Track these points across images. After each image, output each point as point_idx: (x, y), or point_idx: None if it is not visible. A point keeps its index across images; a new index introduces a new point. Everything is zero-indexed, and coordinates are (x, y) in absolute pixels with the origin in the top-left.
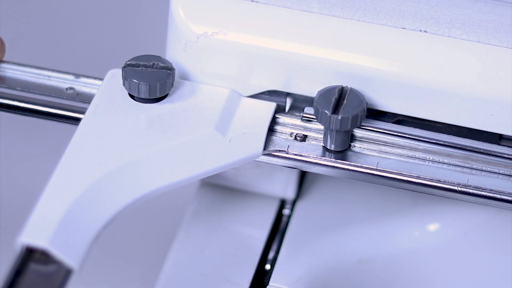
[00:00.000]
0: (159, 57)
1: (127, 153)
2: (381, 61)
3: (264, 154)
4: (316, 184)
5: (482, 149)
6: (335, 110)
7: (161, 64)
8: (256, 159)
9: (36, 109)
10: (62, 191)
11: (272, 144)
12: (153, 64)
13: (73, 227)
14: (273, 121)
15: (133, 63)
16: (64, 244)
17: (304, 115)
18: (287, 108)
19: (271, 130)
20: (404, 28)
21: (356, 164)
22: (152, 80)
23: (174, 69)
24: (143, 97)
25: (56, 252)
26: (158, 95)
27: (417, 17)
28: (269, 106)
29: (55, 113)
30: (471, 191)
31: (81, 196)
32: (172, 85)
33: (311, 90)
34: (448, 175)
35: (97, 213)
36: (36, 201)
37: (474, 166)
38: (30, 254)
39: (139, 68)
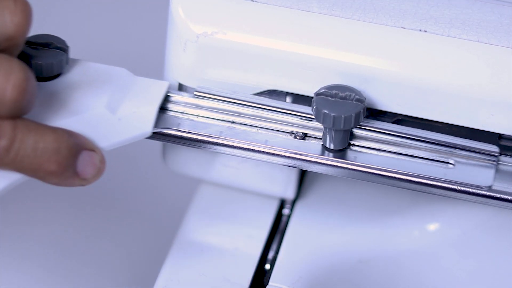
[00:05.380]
0: (54, 36)
1: None
2: (381, 60)
3: (155, 133)
4: (316, 184)
5: (482, 148)
6: (335, 109)
7: (56, 44)
8: (256, 158)
9: None
10: None
11: (163, 122)
12: (48, 43)
13: None
14: (166, 101)
15: (31, 41)
16: None
17: (303, 114)
18: None
19: (165, 109)
20: (404, 28)
21: (356, 163)
22: (47, 58)
23: (69, 47)
24: (37, 75)
25: None
26: (53, 74)
27: (417, 16)
28: (162, 85)
29: None
30: (471, 190)
31: None
32: (67, 64)
33: (311, 89)
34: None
35: None
36: None
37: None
38: None
39: (36, 48)
